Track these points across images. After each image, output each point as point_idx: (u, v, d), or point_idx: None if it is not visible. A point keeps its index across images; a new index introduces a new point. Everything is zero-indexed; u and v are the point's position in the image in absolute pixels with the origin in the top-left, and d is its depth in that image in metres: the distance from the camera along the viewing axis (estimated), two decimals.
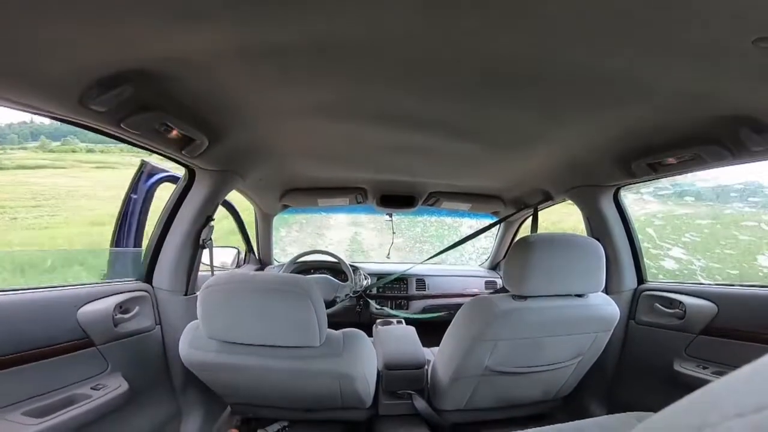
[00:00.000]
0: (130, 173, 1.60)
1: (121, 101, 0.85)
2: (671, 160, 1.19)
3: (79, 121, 0.92)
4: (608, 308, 1.27)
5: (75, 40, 0.67)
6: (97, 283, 1.28)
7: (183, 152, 1.17)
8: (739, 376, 0.21)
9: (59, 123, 0.96)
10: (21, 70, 0.72)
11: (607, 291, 1.50)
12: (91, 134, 1.00)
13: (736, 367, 0.21)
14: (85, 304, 1.16)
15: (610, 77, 0.83)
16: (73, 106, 0.84)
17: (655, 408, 0.26)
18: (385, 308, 2.27)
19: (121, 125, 0.94)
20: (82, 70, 0.76)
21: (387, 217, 2.58)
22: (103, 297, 1.22)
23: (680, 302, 1.39)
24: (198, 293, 1.10)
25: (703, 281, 1.73)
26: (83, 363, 1.13)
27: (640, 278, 1.60)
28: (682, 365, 1.33)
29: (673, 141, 1.12)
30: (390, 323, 1.90)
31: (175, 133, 1.06)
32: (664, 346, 1.41)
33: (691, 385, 1.21)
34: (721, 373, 1.20)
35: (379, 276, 2.38)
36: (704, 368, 1.27)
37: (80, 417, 1.03)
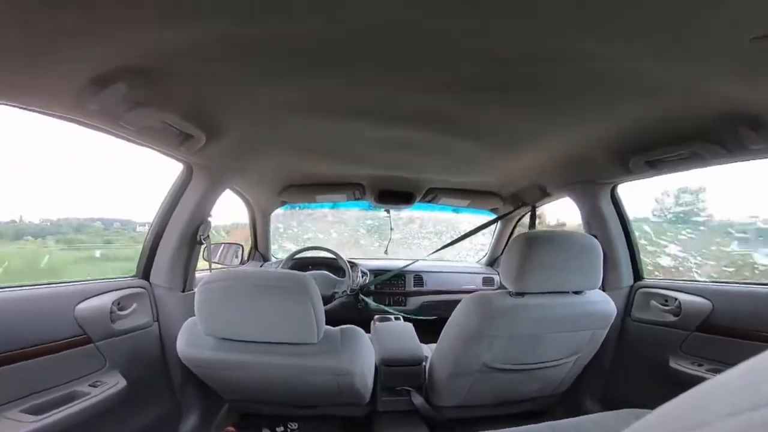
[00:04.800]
0: None
1: (118, 99, 0.85)
2: (669, 158, 1.19)
3: (77, 119, 0.93)
4: (605, 305, 1.28)
5: (69, 39, 0.67)
6: (94, 280, 1.27)
7: (181, 149, 1.17)
8: (734, 375, 0.21)
9: None
10: (17, 69, 0.72)
11: (603, 288, 1.50)
12: None
13: (731, 365, 0.21)
14: (83, 300, 1.16)
15: (608, 75, 0.83)
16: (70, 105, 0.85)
17: (651, 405, 0.26)
18: (382, 306, 2.28)
19: (120, 123, 0.94)
20: (78, 69, 0.76)
21: (385, 213, 2.57)
22: (101, 294, 1.22)
23: (675, 299, 1.40)
24: (195, 290, 1.10)
25: (698, 279, 1.74)
26: (81, 360, 1.13)
27: (637, 275, 1.60)
28: (678, 362, 1.33)
29: (671, 138, 1.12)
30: (388, 319, 1.91)
31: (172, 129, 1.06)
32: (659, 343, 1.42)
33: (686, 382, 1.21)
34: (715, 371, 1.21)
35: (377, 272, 2.38)
36: (699, 365, 1.28)
37: (79, 414, 1.02)
